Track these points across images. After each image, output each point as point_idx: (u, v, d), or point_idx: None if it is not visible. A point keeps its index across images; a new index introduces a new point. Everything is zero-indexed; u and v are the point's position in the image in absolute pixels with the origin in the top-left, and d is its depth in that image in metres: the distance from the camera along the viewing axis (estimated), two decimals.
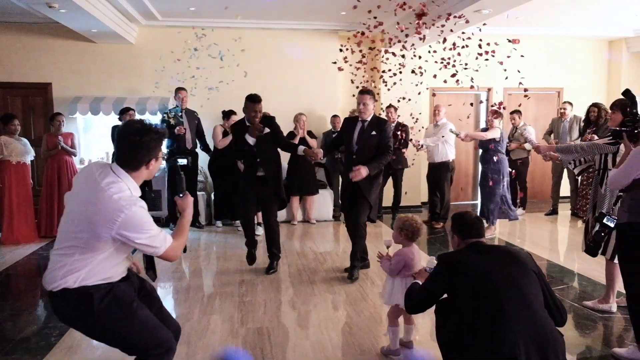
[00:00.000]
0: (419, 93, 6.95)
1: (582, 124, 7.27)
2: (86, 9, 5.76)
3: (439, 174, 7.13)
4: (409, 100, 6.81)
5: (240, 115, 5.38)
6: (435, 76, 5.99)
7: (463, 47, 5.63)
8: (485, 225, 3.78)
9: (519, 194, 7.86)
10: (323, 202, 7.54)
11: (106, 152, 7.57)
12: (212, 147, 7.18)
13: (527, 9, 6.39)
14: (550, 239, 6.80)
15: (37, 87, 7.73)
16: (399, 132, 7.08)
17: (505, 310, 2.19)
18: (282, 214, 6.57)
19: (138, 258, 2.43)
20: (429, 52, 5.95)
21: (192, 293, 4.48)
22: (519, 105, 7.34)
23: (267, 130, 4.73)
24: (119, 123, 6.75)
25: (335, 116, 7.85)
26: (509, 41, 5.92)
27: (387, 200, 7.72)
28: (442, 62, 5.73)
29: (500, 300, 2.21)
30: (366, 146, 4.65)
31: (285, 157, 5.60)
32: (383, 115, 7.11)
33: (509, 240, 6.39)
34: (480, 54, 5.55)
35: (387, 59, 6.40)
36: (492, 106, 6.88)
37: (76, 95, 7.60)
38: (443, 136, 6.91)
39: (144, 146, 2.15)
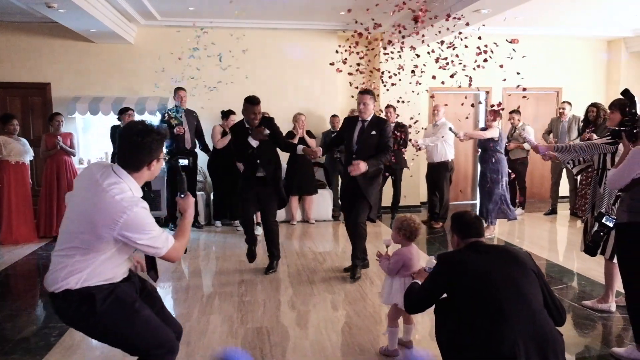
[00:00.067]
0: (417, 93, 6.94)
1: (581, 123, 7.28)
2: (85, 9, 5.76)
3: (438, 173, 7.14)
4: (408, 102, 6.83)
5: (239, 114, 5.37)
6: (434, 77, 6.01)
7: (465, 46, 5.64)
8: (485, 225, 3.79)
9: (518, 198, 7.87)
10: (322, 202, 7.54)
11: (105, 152, 7.56)
12: (211, 147, 7.18)
13: (526, 9, 6.39)
14: (550, 238, 6.81)
15: (36, 87, 7.73)
16: (397, 133, 7.09)
17: (504, 309, 2.19)
18: (281, 214, 6.57)
19: (141, 256, 2.43)
20: (428, 53, 5.96)
21: (191, 293, 4.48)
22: (518, 107, 7.35)
23: (267, 131, 4.72)
24: (118, 123, 6.75)
25: (334, 116, 7.85)
26: (509, 42, 5.93)
27: (387, 200, 7.72)
28: (440, 62, 5.73)
29: (499, 300, 2.22)
30: (366, 146, 4.66)
31: (284, 157, 5.60)
32: (382, 116, 7.11)
33: (508, 240, 6.39)
34: (479, 54, 5.56)
35: (387, 60, 6.41)
36: (491, 106, 6.88)
37: (75, 95, 7.59)
38: (443, 136, 6.92)
39: (146, 147, 2.15)
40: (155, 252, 2.17)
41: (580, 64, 9.30)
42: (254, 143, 4.70)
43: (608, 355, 3.22)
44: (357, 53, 6.09)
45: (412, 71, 5.98)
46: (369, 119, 4.70)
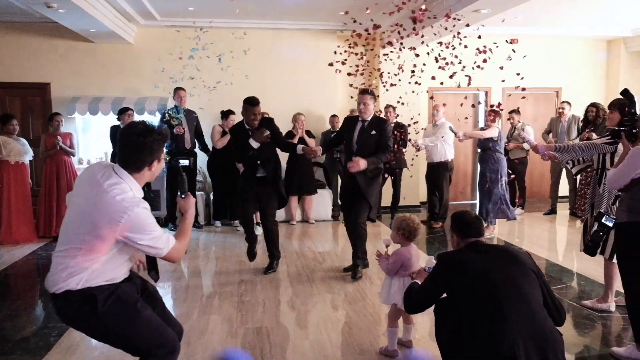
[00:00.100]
0: (416, 93, 6.95)
1: (580, 123, 7.29)
2: (85, 9, 5.76)
3: (437, 173, 7.14)
4: (407, 103, 6.83)
5: (238, 115, 5.37)
6: (434, 77, 6.00)
7: (464, 46, 5.64)
8: (484, 225, 3.79)
9: (517, 200, 7.88)
10: (322, 202, 7.54)
11: (105, 152, 7.56)
12: (210, 147, 7.18)
13: (526, 9, 6.40)
14: (549, 238, 6.82)
15: (36, 87, 7.73)
16: (397, 133, 7.10)
17: (504, 309, 2.19)
18: (281, 214, 6.57)
19: (142, 256, 2.43)
20: (428, 53, 5.96)
21: (191, 293, 4.48)
22: (518, 108, 7.35)
23: (268, 133, 4.72)
24: (118, 123, 6.75)
25: (334, 116, 7.85)
26: (508, 42, 5.93)
27: (386, 200, 7.73)
28: (440, 62, 5.74)
29: (499, 300, 2.22)
30: (366, 145, 4.66)
31: (284, 156, 5.60)
32: (382, 116, 7.11)
33: (507, 240, 6.40)
34: (479, 53, 5.57)
35: (386, 60, 6.42)
36: (490, 106, 6.89)
37: (75, 95, 7.59)
38: (442, 136, 6.92)
39: (147, 147, 2.15)
40: (157, 253, 2.17)
41: (580, 64, 9.30)
42: (255, 144, 4.70)
43: (608, 355, 3.22)
44: (356, 54, 6.10)
45: (412, 71, 5.99)
46: (369, 118, 4.70)
